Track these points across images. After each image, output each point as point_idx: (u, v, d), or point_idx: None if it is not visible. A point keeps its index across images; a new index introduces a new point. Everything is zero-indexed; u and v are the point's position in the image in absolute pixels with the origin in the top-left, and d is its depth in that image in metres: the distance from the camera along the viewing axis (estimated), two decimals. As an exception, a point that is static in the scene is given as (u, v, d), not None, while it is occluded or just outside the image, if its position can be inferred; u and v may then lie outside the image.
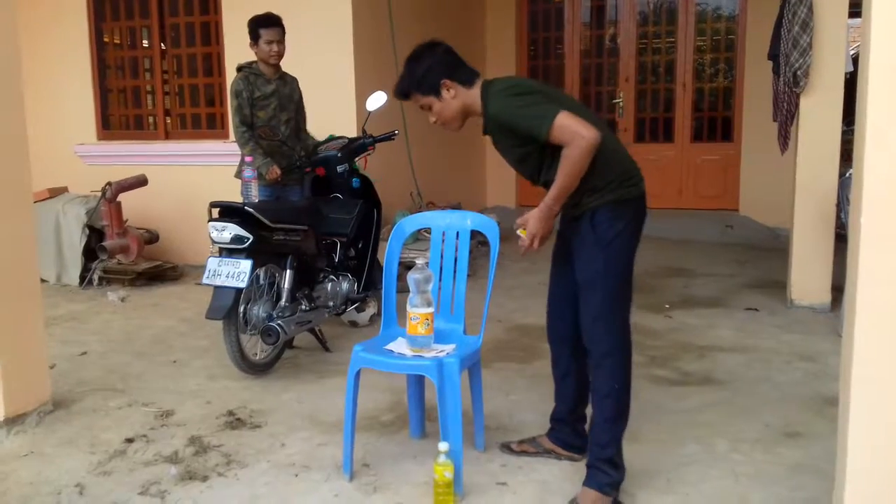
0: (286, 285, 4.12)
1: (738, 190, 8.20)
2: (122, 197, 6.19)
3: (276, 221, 4.03)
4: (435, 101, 2.77)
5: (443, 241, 3.14)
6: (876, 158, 1.99)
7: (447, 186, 7.75)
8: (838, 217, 4.98)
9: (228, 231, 3.83)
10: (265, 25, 4.66)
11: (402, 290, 2.98)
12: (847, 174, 4.76)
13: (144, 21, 6.94)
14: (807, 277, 5.16)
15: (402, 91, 2.83)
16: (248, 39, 4.73)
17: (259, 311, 4.03)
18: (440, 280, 3.09)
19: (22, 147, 3.54)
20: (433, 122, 2.86)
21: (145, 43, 7.10)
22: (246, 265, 3.81)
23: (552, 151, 2.63)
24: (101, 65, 7.13)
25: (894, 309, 2.01)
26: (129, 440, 3.32)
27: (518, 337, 4.69)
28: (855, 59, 5.05)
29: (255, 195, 4.40)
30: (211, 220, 3.91)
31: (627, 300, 2.75)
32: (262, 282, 4.09)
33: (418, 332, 2.84)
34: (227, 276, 3.80)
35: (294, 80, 4.95)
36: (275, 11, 4.77)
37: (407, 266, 3.31)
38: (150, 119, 7.17)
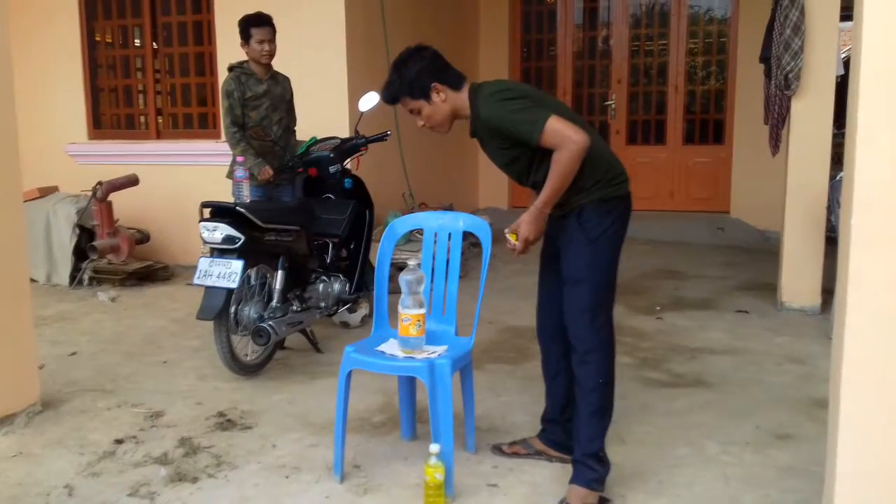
0: (277, 286, 4.11)
1: (730, 192, 8.23)
2: (112, 196, 6.16)
3: (268, 222, 4.02)
4: (425, 105, 2.79)
5: (435, 242, 3.14)
6: (867, 161, 2.00)
7: (439, 187, 7.75)
8: (828, 220, 5.01)
9: (220, 231, 3.82)
10: (256, 25, 4.65)
11: (394, 291, 2.98)
12: (837, 177, 4.78)
13: (136, 20, 6.92)
14: (797, 280, 5.18)
15: (392, 96, 2.83)
16: (240, 39, 4.72)
17: (250, 311, 4.02)
18: (432, 281, 3.09)
19: (12, 146, 3.52)
20: (421, 126, 2.87)
21: (137, 42, 7.08)
22: (237, 265, 3.79)
23: (541, 154, 2.66)
24: (92, 64, 7.10)
25: (884, 311, 2.02)
26: (119, 441, 3.30)
27: (510, 338, 4.69)
28: (846, 63, 5.08)
29: (246, 195, 4.38)
30: (202, 220, 3.90)
31: (611, 297, 2.81)
32: (253, 282, 4.08)
33: (410, 334, 2.84)
34: (219, 277, 3.79)
35: (286, 79, 4.95)
36: (268, 11, 4.76)
37: (399, 267, 3.30)
38: (142, 118, 7.15)
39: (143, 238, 6.41)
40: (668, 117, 8.57)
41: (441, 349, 2.92)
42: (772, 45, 5.05)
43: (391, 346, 2.97)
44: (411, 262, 2.87)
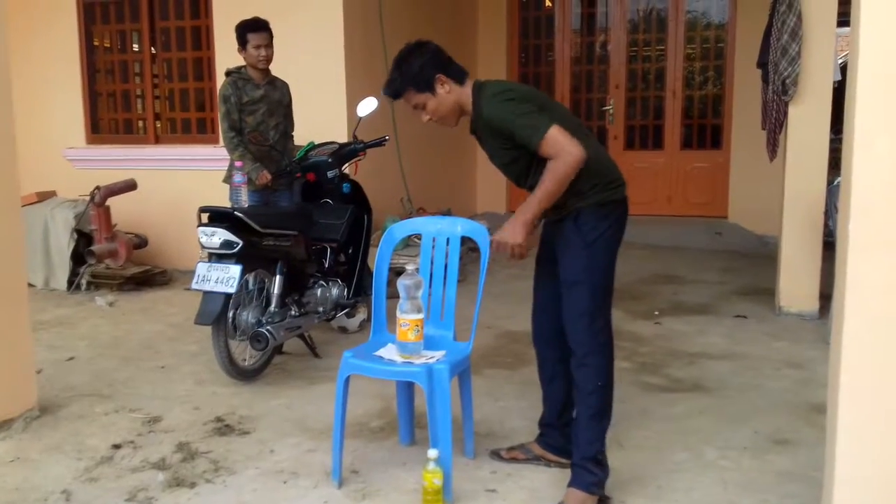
0: (276, 291, 4.11)
1: (728, 197, 8.23)
2: (111, 201, 6.16)
3: (266, 227, 4.02)
4: (430, 98, 2.77)
5: (433, 247, 3.14)
6: (864, 166, 2.01)
7: (437, 192, 7.75)
8: (826, 225, 5.01)
9: (218, 236, 3.82)
10: (252, 30, 4.66)
11: (392, 296, 2.98)
12: (835, 182, 4.79)
13: (135, 25, 6.92)
14: (795, 285, 5.18)
15: (395, 90, 2.81)
16: (237, 44, 4.73)
17: (248, 316, 4.02)
18: (430, 286, 3.09)
19: (10, 150, 3.52)
20: (427, 121, 2.84)
21: (136, 47, 7.08)
22: (235, 270, 3.79)
23: (540, 157, 2.66)
24: (90, 68, 7.10)
25: (882, 316, 2.03)
26: (117, 446, 3.29)
27: (508, 343, 4.69)
28: (843, 68, 5.09)
29: (244, 200, 4.38)
30: (200, 224, 3.90)
31: (609, 300, 2.81)
32: (251, 287, 4.08)
33: (408, 339, 2.84)
34: (217, 282, 3.79)
35: (285, 84, 4.95)
36: (266, 16, 4.76)
37: (397, 272, 3.30)
38: (140, 123, 7.15)
39: (141, 243, 6.40)
40: (665, 122, 8.59)
41: (439, 354, 2.92)
42: (769, 50, 5.06)
43: (389, 351, 2.96)
44: (409, 267, 2.87)
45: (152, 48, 6.95)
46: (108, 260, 6.16)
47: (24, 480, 3.00)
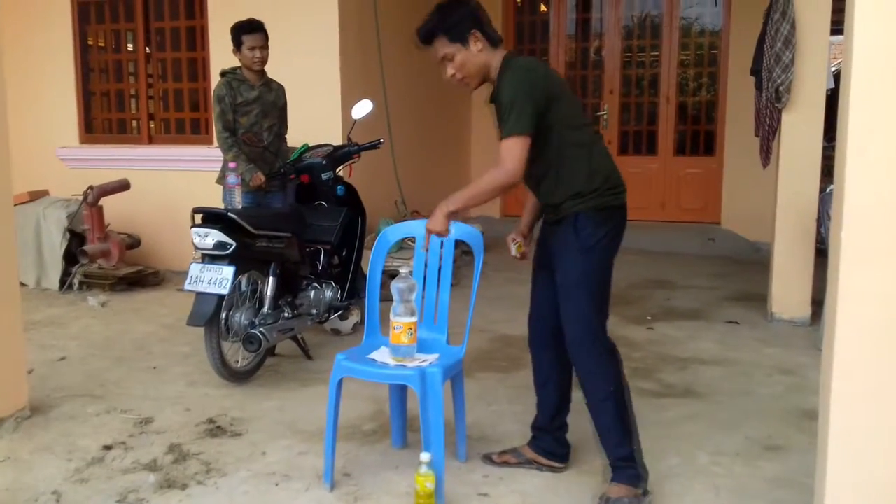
0: (269, 292, 4.10)
1: (720, 203, 8.27)
2: (104, 201, 6.15)
3: (260, 228, 4.01)
4: (460, 51, 2.73)
5: (427, 250, 3.13)
6: (857, 174, 2.02)
7: (432, 195, 7.68)
8: (818, 232, 5.03)
9: (211, 237, 3.81)
10: (247, 32, 4.65)
11: (386, 298, 2.98)
12: (828, 189, 4.81)
13: (129, 25, 6.92)
14: (787, 291, 5.20)
15: (429, 33, 2.76)
16: (232, 46, 4.73)
17: (241, 318, 4.01)
18: (424, 289, 3.09)
19: (3, 149, 3.51)
20: (450, 76, 2.79)
21: (130, 47, 7.07)
22: (228, 272, 3.79)
23: (537, 149, 2.65)
24: (84, 68, 7.09)
25: (873, 323, 2.03)
26: (108, 447, 3.28)
27: (501, 347, 4.69)
28: (836, 76, 5.12)
29: (238, 201, 4.38)
30: (194, 225, 3.90)
31: (606, 306, 2.80)
32: (244, 289, 4.07)
33: (401, 342, 2.84)
34: (210, 283, 3.78)
35: (281, 87, 4.95)
36: (261, 17, 4.76)
37: (391, 275, 3.31)
38: (134, 123, 7.14)
39: (133, 243, 6.39)
40: (659, 128, 8.61)
41: (432, 357, 2.92)
42: (763, 57, 5.09)
43: (382, 354, 2.96)
44: (403, 270, 2.87)
45: (147, 48, 6.94)
46: (100, 260, 6.14)
47: (15, 481, 2.99)
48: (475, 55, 2.73)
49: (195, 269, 3.83)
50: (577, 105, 2.91)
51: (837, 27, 4.56)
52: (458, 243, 3.19)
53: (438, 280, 3.11)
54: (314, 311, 4.47)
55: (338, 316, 4.73)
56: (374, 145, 4.78)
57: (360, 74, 6.38)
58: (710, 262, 7.31)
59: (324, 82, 6.12)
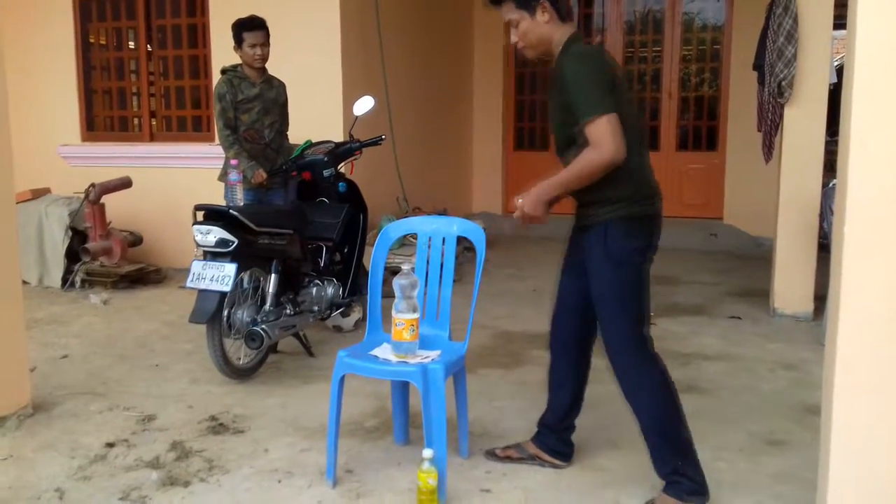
0: (271, 289, 4.10)
1: (723, 199, 8.26)
2: (105, 199, 6.15)
3: (262, 225, 4.01)
4: (526, 19, 2.68)
5: (429, 246, 3.13)
6: (860, 169, 2.01)
7: (433, 192, 7.75)
8: (821, 227, 5.03)
9: (213, 234, 3.81)
10: (248, 29, 4.65)
11: (388, 295, 2.97)
12: (830, 184, 4.80)
13: (131, 22, 6.91)
14: (790, 286, 5.20)
15: None
16: (233, 43, 4.72)
17: (243, 315, 4.01)
18: (426, 286, 3.09)
19: (5, 147, 3.51)
20: (514, 43, 2.75)
21: (131, 44, 7.06)
22: (230, 269, 3.79)
23: (582, 139, 2.56)
24: (86, 65, 7.08)
25: (877, 318, 2.03)
26: (110, 445, 3.28)
27: (503, 343, 4.69)
28: (839, 71, 5.10)
29: (240, 198, 4.38)
30: (195, 223, 3.90)
31: (641, 317, 2.70)
32: (246, 286, 4.07)
33: (403, 338, 2.84)
34: (212, 280, 3.78)
35: (282, 84, 4.94)
36: (263, 15, 4.76)
37: (393, 271, 3.31)
38: (136, 121, 7.13)
39: (135, 241, 6.40)
40: (661, 123, 8.60)
41: (434, 354, 2.92)
42: (765, 52, 5.07)
43: (384, 351, 2.96)
44: (405, 267, 2.87)
45: (148, 46, 6.93)
46: (102, 257, 6.15)
47: (18, 479, 2.99)
48: (540, 25, 2.67)
49: (197, 267, 3.83)
50: (632, 105, 2.83)
51: (840, 21, 4.55)
52: (460, 239, 3.18)
53: (440, 276, 3.10)
54: (316, 308, 4.47)
55: (340, 313, 4.73)
56: (376, 142, 4.78)
57: (361, 71, 6.38)
58: (713, 258, 7.30)
59: (325, 79, 6.12)
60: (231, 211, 3.91)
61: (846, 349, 2.06)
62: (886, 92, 1.97)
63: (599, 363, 2.92)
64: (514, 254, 7.20)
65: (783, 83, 4.93)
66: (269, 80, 4.86)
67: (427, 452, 2.66)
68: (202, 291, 3.81)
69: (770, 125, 5.19)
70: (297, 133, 5.09)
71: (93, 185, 6.06)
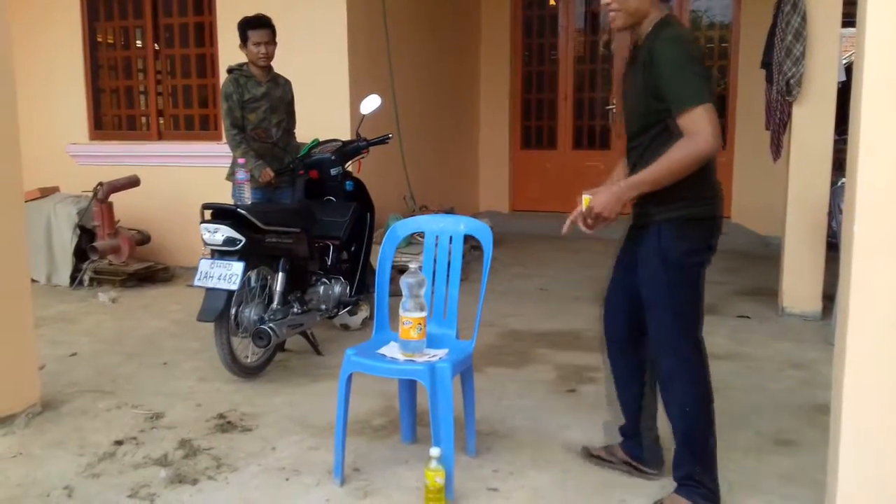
0: (278, 288, 4.11)
1: (731, 197, 8.23)
2: (113, 197, 6.17)
3: (269, 224, 4.02)
4: None
5: (436, 245, 3.14)
6: (869, 168, 2.00)
7: (440, 191, 7.75)
8: (829, 225, 5.01)
9: (221, 233, 3.82)
10: (254, 27, 4.66)
11: (395, 293, 2.97)
12: (839, 183, 4.78)
13: (138, 21, 6.92)
14: (798, 285, 5.18)
15: None
16: (239, 41, 4.73)
17: (251, 313, 4.02)
18: (433, 284, 3.09)
19: (13, 146, 3.52)
20: (604, 5, 2.61)
21: (139, 43, 7.08)
22: (238, 267, 3.79)
23: (663, 132, 2.50)
24: (93, 64, 7.10)
25: (887, 317, 2.02)
26: (119, 442, 3.30)
27: (511, 342, 4.69)
28: (848, 69, 5.08)
29: (247, 197, 4.39)
30: (203, 221, 3.90)
31: (695, 321, 2.65)
32: (253, 284, 4.08)
33: (411, 337, 2.84)
34: (219, 279, 3.79)
35: (287, 82, 4.95)
36: (269, 13, 4.76)
37: (400, 270, 3.31)
38: (143, 119, 7.15)
39: (143, 239, 6.42)
40: (669, 122, 8.57)
41: (442, 352, 2.92)
42: (773, 50, 5.05)
43: (392, 350, 2.96)
44: (412, 265, 2.87)
45: (155, 44, 6.95)
46: (110, 256, 6.17)
47: (27, 476, 3.00)
48: None
49: (205, 265, 3.84)
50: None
51: (849, 19, 4.53)
52: (468, 238, 3.17)
53: (448, 275, 3.10)
54: (323, 307, 4.47)
55: (347, 311, 4.73)
56: (383, 140, 4.78)
57: (368, 69, 6.38)
58: (721, 257, 7.16)
59: (332, 78, 6.12)
60: (239, 210, 3.92)
61: (855, 348, 2.05)
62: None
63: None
64: (522, 252, 7.20)
65: (791, 81, 4.91)
66: (275, 78, 4.86)
67: (434, 451, 2.66)
68: (210, 290, 3.82)
69: (778, 123, 5.17)
70: (304, 131, 5.09)
71: (101, 183, 6.08)
